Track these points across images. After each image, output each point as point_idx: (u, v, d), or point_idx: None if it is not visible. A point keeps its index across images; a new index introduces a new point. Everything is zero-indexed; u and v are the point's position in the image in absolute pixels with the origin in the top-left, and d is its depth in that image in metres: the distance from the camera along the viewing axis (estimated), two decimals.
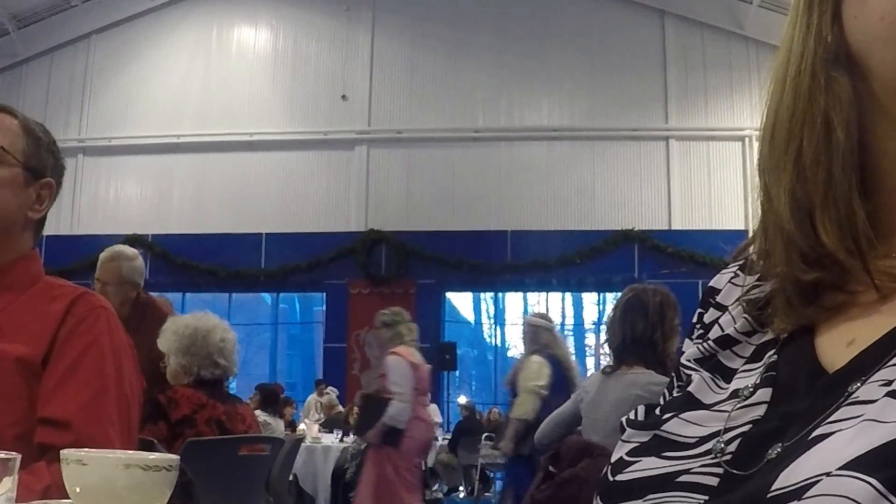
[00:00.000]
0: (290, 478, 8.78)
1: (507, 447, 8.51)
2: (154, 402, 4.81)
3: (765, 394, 0.88)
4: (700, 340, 1.03)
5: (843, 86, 0.85)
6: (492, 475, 18.82)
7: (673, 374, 1.06)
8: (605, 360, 5.29)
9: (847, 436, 0.69)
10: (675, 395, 1.02)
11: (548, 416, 5.69)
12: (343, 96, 22.11)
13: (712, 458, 0.86)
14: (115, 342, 2.35)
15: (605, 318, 20.73)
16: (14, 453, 1.16)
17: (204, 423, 4.91)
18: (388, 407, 8.25)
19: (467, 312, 28.27)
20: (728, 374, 0.96)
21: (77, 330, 2.28)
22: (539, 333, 8.72)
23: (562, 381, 8.34)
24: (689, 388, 0.98)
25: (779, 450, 0.77)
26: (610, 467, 0.95)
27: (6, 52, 23.18)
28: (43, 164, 2.43)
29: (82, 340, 2.28)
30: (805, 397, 0.83)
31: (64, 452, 1.34)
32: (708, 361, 0.99)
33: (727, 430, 0.87)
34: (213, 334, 5.18)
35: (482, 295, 25.79)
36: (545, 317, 9.58)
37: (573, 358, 9.59)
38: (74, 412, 2.16)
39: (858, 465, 0.65)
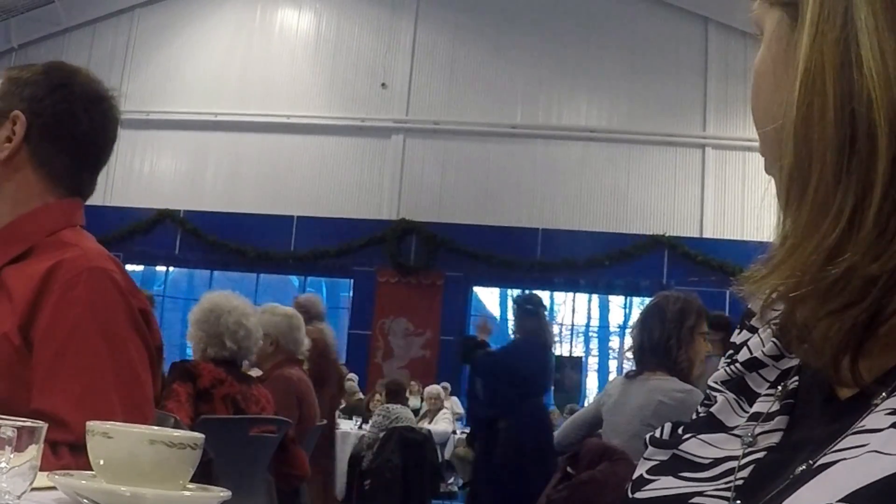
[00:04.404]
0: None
1: None
2: (183, 368, 4.89)
3: (782, 420, 0.90)
4: (728, 362, 1.04)
5: None
6: None
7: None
8: (628, 364, 5.31)
9: (850, 466, 0.69)
10: (700, 414, 1.03)
11: None
12: (382, 84, 22.11)
13: (725, 483, 0.87)
14: (101, 313, 2.18)
15: (630, 323, 20.69)
16: (40, 422, 1.16)
17: (220, 399, 4.97)
18: None
19: (493, 308, 28.22)
20: (752, 398, 0.98)
21: (58, 307, 2.14)
22: None
23: None
24: (712, 409, 1.00)
25: (788, 478, 0.77)
26: (631, 484, 0.98)
27: (50, 21, 23.25)
28: (14, 98, 2.34)
29: (65, 321, 2.13)
30: (817, 424, 0.85)
31: (90, 424, 1.34)
32: (734, 383, 1.01)
33: (744, 455, 0.88)
34: (229, 316, 5.22)
35: (509, 291, 25.77)
36: None
37: None
38: (69, 410, 2.02)
39: (857, 497, 0.66)
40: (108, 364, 2.13)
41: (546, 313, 9.04)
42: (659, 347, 4.71)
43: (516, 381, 8.41)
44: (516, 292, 24.90)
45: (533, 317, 8.72)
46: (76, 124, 2.41)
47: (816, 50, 0.79)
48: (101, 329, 2.16)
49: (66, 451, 1.97)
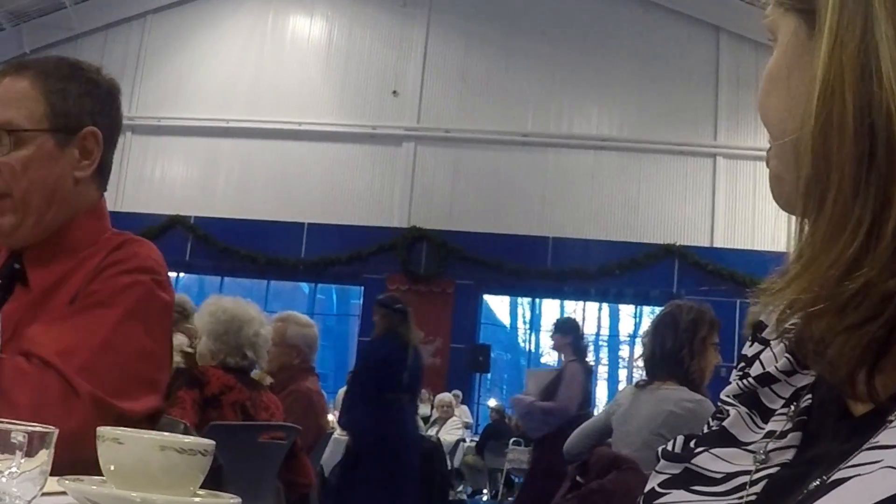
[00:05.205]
0: (318, 468, 8.80)
1: None
2: (190, 374, 4.88)
3: (795, 437, 0.90)
4: (740, 375, 1.03)
5: None
6: (517, 480, 18.81)
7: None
8: (638, 373, 5.30)
9: (865, 482, 0.69)
10: (712, 428, 1.03)
11: None
12: (394, 92, 22.13)
13: (738, 498, 0.87)
14: (133, 300, 2.13)
15: (640, 332, 20.67)
16: (51, 427, 1.16)
17: (229, 406, 4.96)
18: None
19: (503, 316, 28.22)
20: (766, 414, 0.97)
21: (96, 283, 2.10)
22: None
23: None
24: (725, 423, 1.00)
25: (802, 493, 0.77)
26: (643, 497, 0.98)
27: (62, 26, 23.31)
28: (78, 113, 2.20)
29: (92, 297, 2.07)
30: (831, 441, 0.84)
31: (100, 430, 1.34)
32: (746, 397, 1.00)
33: (757, 471, 0.88)
34: (249, 327, 5.20)
35: (519, 300, 25.76)
36: None
37: None
38: (50, 353, 1.93)
39: None
40: (120, 338, 2.05)
41: (410, 314, 8.73)
42: (671, 357, 4.70)
43: (381, 384, 8.29)
44: (526, 300, 24.96)
45: (397, 315, 8.49)
46: (119, 127, 2.40)
47: (835, 60, 0.78)
48: (126, 309, 2.10)
49: (38, 361, 1.91)
